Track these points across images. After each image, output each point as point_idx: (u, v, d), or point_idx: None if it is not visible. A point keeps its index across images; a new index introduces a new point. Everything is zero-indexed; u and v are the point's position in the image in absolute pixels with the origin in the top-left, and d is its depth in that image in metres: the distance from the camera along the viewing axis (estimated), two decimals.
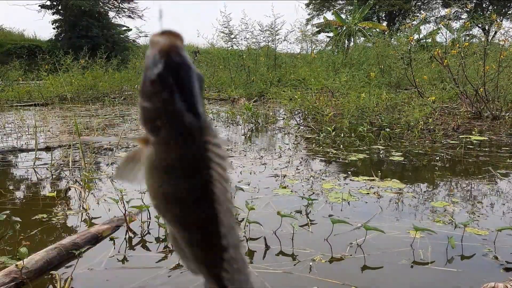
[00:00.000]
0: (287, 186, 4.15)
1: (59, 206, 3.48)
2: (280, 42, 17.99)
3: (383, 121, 7.77)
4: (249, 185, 4.16)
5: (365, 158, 5.46)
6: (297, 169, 4.89)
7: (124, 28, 38.72)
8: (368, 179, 4.40)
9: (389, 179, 4.40)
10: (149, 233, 2.99)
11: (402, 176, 4.62)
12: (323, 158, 5.49)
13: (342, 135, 7.01)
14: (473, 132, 7.24)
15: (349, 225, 3.00)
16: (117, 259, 2.58)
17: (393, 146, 6.18)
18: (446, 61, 9.29)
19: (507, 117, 8.60)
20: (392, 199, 3.79)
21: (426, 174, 4.82)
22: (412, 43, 10.65)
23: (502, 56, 8.98)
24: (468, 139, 6.72)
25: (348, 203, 3.65)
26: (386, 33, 31.51)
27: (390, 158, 5.44)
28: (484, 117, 9.06)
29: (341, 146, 6.17)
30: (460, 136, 6.97)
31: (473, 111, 9.41)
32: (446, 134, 7.20)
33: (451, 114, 9.20)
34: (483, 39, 12.37)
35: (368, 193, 3.93)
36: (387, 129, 7.32)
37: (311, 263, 2.52)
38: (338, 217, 3.10)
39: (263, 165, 5.07)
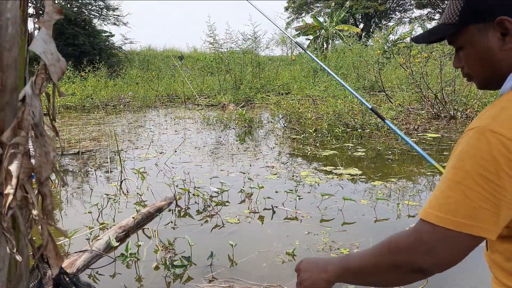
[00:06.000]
0: (276, 173, 5.63)
1: (121, 191, 4.80)
2: (262, 50, 19.44)
3: (357, 123, 9.23)
4: (248, 173, 5.54)
5: (336, 153, 6.90)
6: (282, 163, 6.33)
7: (107, 34, 39.67)
8: (334, 168, 5.86)
9: (350, 167, 5.89)
10: (189, 208, 4.34)
11: (361, 166, 6.08)
12: (303, 154, 6.92)
13: (321, 135, 8.44)
14: (429, 130, 8.74)
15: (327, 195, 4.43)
16: (176, 222, 3.93)
17: (362, 144, 7.63)
18: (408, 70, 10.83)
19: (459, 117, 10.14)
20: (349, 181, 5.28)
21: (378, 164, 6.31)
22: (379, 56, 12.17)
23: None
24: (424, 137, 8.22)
25: (318, 184, 5.11)
26: (362, 35, 33.02)
27: (354, 153, 6.92)
28: (442, 117, 10.60)
29: (318, 144, 7.62)
30: (418, 134, 8.47)
31: (433, 112, 10.95)
32: (408, 133, 8.68)
33: (416, 115, 10.72)
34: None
35: (333, 178, 5.41)
36: (359, 130, 8.78)
37: (301, 218, 3.92)
38: (314, 193, 4.50)
39: (257, 160, 6.52)
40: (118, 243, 3.29)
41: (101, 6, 31.15)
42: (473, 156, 0.81)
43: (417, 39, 1.08)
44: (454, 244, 0.82)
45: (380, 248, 0.92)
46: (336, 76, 2.60)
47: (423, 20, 37.70)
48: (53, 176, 1.02)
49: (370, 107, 2.41)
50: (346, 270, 0.98)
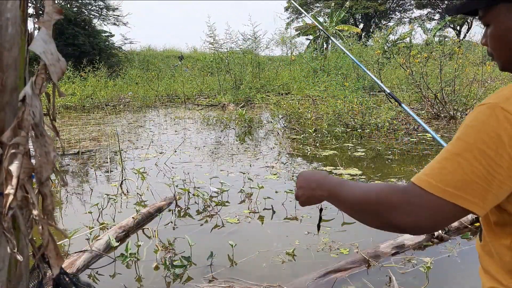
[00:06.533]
0: (276, 173, 5.63)
1: (122, 191, 4.80)
2: (262, 50, 19.45)
3: (356, 123, 9.24)
4: (248, 173, 5.54)
5: (336, 153, 6.90)
6: (282, 163, 6.34)
7: (107, 34, 39.65)
8: (334, 168, 5.86)
9: (350, 168, 5.89)
10: (189, 208, 4.34)
11: (361, 166, 6.08)
12: (302, 154, 6.92)
13: (321, 135, 8.44)
14: None
15: None
16: (176, 222, 3.93)
17: (362, 144, 7.63)
18: (408, 70, 10.83)
19: (458, 117, 10.14)
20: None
21: (378, 164, 6.31)
22: (379, 56, 12.17)
23: (455, 65, 10.56)
24: (424, 136, 8.22)
25: None
26: (362, 35, 32.99)
27: (354, 153, 6.92)
28: (442, 117, 10.60)
29: (318, 144, 7.62)
30: (418, 134, 8.47)
31: (433, 112, 10.95)
32: (408, 133, 8.68)
33: (416, 115, 10.70)
34: (453, 38, 13.85)
35: None
36: (359, 130, 8.78)
37: (301, 218, 3.92)
38: None
39: (257, 160, 6.53)
40: (118, 243, 3.29)
41: (101, 6, 31.06)
42: (479, 131, 0.82)
43: (451, 10, 1.07)
44: (439, 212, 0.84)
45: (369, 193, 0.94)
46: (358, 62, 2.67)
47: (423, 20, 37.73)
48: (53, 176, 1.02)
49: (388, 91, 2.49)
50: (333, 196, 1.05)
